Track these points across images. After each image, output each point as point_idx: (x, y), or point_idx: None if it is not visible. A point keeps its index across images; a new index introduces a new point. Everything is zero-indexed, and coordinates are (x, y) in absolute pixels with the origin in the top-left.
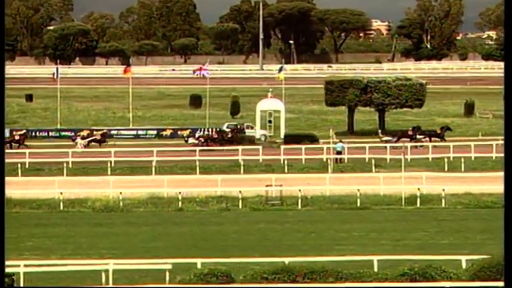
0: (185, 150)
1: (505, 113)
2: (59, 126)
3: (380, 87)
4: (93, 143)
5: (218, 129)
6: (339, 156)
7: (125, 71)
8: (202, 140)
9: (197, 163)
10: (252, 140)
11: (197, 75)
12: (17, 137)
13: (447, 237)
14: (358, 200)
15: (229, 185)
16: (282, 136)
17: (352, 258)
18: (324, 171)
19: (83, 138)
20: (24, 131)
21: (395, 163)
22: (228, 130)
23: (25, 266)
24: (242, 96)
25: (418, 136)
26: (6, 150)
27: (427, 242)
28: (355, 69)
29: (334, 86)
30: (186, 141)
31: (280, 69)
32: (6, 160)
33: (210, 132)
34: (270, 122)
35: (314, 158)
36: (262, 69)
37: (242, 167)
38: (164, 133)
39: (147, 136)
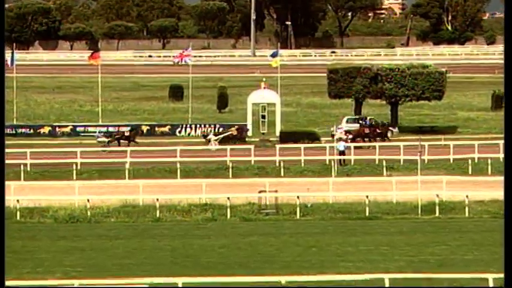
0: (164, 150)
1: (505, 112)
2: (15, 122)
3: (392, 76)
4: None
5: (373, 122)
6: (342, 157)
7: (93, 57)
8: (350, 137)
9: (178, 165)
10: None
11: (178, 62)
12: (127, 133)
13: (471, 252)
14: (367, 209)
15: (215, 190)
16: (277, 134)
17: (359, 277)
18: (326, 175)
19: (216, 134)
20: (133, 127)
21: (410, 165)
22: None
23: None
24: (231, 87)
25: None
26: (113, 148)
27: (447, 258)
28: (363, 55)
29: (338, 75)
30: (209, 140)
31: (274, 55)
32: None
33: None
34: (263, 117)
35: (315, 159)
36: (254, 55)
37: (231, 170)
38: (139, 130)
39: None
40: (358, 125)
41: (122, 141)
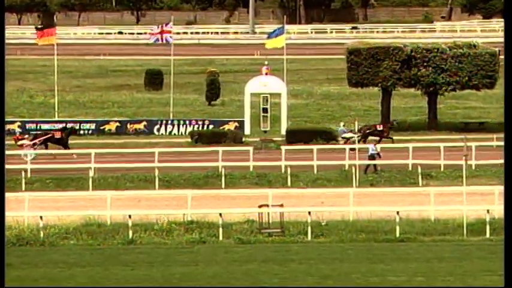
0: (138, 153)
1: (505, 112)
2: None
3: (430, 59)
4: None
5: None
6: (372, 162)
7: (46, 35)
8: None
9: (156, 173)
10: (238, 138)
11: (156, 41)
12: (57, 135)
13: None
14: (397, 228)
15: (204, 204)
16: (283, 132)
17: None
18: (345, 185)
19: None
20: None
21: (452, 172)
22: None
23: None
24: (223, 72)
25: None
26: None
27: None
28: (392, 31)
29: (361, 57)
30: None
31: (278, 33)
32: None
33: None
34: (265, 110)
35: (331, 164)
36: (254, 32)
37: (223, 178)
38: (107, 127)
39: (82, 132)
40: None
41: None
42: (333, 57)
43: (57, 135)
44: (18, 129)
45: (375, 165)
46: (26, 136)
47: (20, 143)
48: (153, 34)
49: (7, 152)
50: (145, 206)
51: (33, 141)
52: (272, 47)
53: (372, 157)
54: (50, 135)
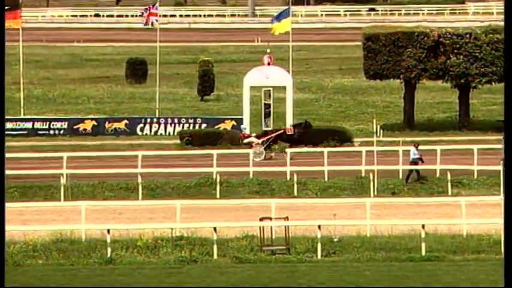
0: (119, 156)
1: (505, 112)
2: None
3: (462, 46)
4: None
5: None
6: (414, 168)
7: (9, 17)
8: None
9: (139, 180)
10: (235, 139)
11: (146, 25)
12: (290, 131)
13: None
14: (423, 245)
15: (196, 217)
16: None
17: None
18: (362, 194)
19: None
20: None
21: (487, 179)
22: None
23: None
24: (218, 62)
25: (249, 139)
26: None
27: None
28: (417, 13)
29: (379, 44)
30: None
31: (282, 16)
32: None
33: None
34: (267, 107)
35: (345, 169)
36: (254, 15)
37: (218, 187)
38: (82, 127)
39: (52, 132)
40: None
41: None
42: (347, 44)
43: (289, 131)
44: (243, 126)
45: (418, 172)
46: (254, 134)
47: (246, 141)
48: (143, 17)
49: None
50: (127, 219)
51: (263, 139)
52: (280, 33)
53: (414, 163)
54: (281, 131)
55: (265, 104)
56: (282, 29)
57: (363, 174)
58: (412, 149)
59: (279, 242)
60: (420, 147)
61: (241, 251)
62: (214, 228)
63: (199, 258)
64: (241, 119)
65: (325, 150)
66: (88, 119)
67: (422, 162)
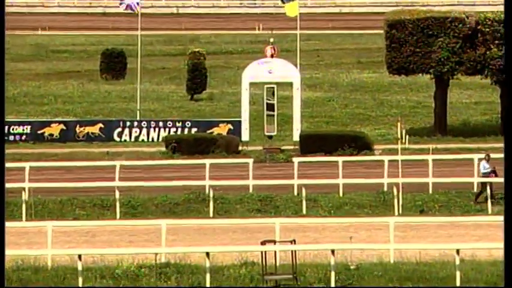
0: (91, 167)
1: (505, 112)
2: None
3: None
4: None
5: None
6: (486, 180)
7: None
8: None
9: (116, 195)
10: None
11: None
12: None
13: None
14: (458, 274)
15: (185, 240)
16: (296, 138)
17: None
18: (384, 212)
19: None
20: None
21: None
22: None
23: None
24: (212, 54)
25: None
26: None
27: None
28: None
29: (406, 33)
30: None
31: None
32: None
33: None
34: (269, 108)
35: (364, 183)
36: None
37: (212, 203)
38: (48, 132)
39: (12, 138)
40: None
41: None
42: (366, 33)
43: None
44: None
45: (491, 188)
46: None
47: None
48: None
49: None
50: (102, 243)
51: None
52: (293, 15)
53: (485, 177)
54: None
55: (267, 104)
56: (292, 11)
57: (385, 189)
58: (482, 163)
59: (285, 270)
60: (453, 156)
61: (239, 281)
62: (207, 254)
63: None
64: (239, 122)
65: (340, 159)
66: (55, 122)
67: (496, 175)
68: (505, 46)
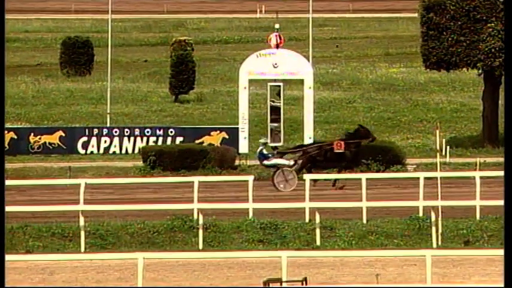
0: (50, 186)
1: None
2: None
3: None
4: None
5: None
6: None
7: None
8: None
9: (81, 222)
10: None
11: None
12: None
13: None
14: None
15: (167, 279)
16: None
17: None
18: (419, 243)
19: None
20: None
21: None
22: None
23: None
24: (201, 43)
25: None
26: None
27: None
28: None
29: (446, 16)
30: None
31: None
32: None
33: None
34: (274, 111)
35: (393, 206)
36: None
37: (201, 232)
38: None
39: None
40: None
41: None
42: (396, 17)
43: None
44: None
45: None
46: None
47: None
48: None
49: None
50: (62, 283)
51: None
52: None
53: None
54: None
55: (272, 106)
56: None
57: (421, 214)
58: None
59: None
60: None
61: None
62: None
63: None
64: (236, 129)
65: (364, 176)
66: (8, 130)
67: None
68: (505, 48)
